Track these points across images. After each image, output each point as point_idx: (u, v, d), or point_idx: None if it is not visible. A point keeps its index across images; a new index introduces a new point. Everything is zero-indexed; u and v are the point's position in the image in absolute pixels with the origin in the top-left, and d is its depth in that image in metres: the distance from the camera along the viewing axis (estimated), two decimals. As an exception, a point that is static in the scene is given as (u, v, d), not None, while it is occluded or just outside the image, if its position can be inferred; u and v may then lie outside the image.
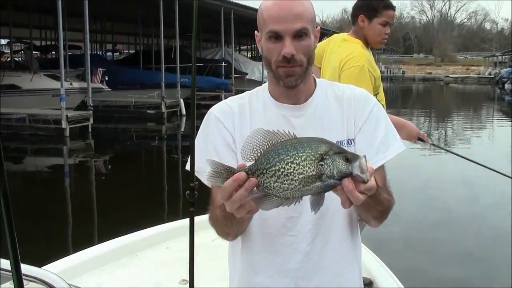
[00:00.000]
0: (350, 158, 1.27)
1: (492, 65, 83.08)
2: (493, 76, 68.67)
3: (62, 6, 17.62)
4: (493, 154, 15.56)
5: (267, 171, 1.30)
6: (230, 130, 1.71)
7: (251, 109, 1.74)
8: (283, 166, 1.29)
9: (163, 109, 22.42)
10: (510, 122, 26.69)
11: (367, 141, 1.73)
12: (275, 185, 1.30)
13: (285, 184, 1.29)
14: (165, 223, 4.27)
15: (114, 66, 29.39)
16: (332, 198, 1.35)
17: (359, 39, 3.41)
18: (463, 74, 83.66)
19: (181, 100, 23.07)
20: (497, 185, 11.13)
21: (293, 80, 1.65)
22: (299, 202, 1.32)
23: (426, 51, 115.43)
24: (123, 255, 3.75)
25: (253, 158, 1.33)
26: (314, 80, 1.79)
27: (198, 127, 1.79)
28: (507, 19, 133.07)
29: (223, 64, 27.93)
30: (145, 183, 11.88)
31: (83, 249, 3.69)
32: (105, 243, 3.85)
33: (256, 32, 1.72)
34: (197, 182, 1.64)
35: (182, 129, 20.37)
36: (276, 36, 1.62)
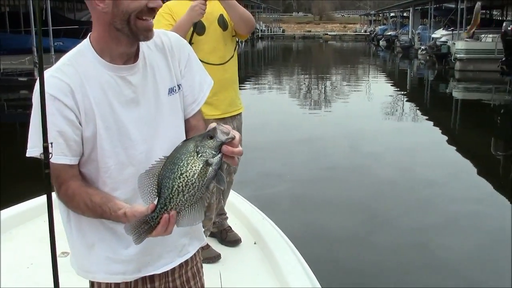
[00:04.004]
0: (211, 135, 1.48)
1: (368, 23, 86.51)
2: (368, 33, 71.60)
3: None
4: (370, 108, 16.31)
5: (172, 195, 1.48)
6: (72, 108, 1.62)
7: (86, 77, 1.65)
8: (178, 182, 1.47)
9: (36, 76, 21.14)
10: (384, 77, 28.06)
11: (190, 85, 1.86)
12: (185, 198, 1.49)
13: (190, 191, 1.48)
14: (41, 195, 4.06)
15: (-24, 30, 27.37)
16: None
17: None
18: (341, 31, 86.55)
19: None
20: (377, 137, 11.77)
21: (151, 34, 1.66)
22: (210, 193, 1.54)
23: (305, 9, 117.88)
24: (-2, 233, 3.53)
25: (156, 196, 1.50)
26: None
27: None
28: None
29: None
30: (23, 157, 11.24)
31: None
32: (-26, 222, 3.60)
33: None
34: (51, 142, 1.56)
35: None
36: None
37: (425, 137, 12.11)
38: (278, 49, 57.52)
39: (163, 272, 1.85)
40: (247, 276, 3.28)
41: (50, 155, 1.55)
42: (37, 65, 15.47)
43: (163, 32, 1.86)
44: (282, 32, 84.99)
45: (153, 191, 1.50)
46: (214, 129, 1.48)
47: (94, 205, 1.61)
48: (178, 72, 1.82)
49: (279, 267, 3.20)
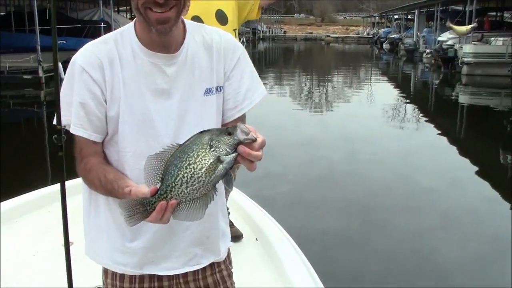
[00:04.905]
0: (231, 131, 1.38)
1: (370, 25, 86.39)
2: (371, 36, 71.39)
3: None
4: (371, 111, 16.30)
5: (175, 183, 1.41)
6: (98, 82, 1.62)
7: (120, 57, 1.64)
8: (184, 172, 1.40)
9: (41, 73, 21.11)
10: (387, 80, 28.00)
11: (235, 89, 1.78)
12: (187, 190, 1.41)
13: (195, 184, 1.40)
14: (46, 186, 4.12)
15: (-17, 29, 27.40)
16: None
17: None
18: (343, 34, 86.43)
19: (60, 64, 21.96)
20: (377, 140, 11.77)
21: (168, 27, 1.58)
22: (215, 193, 1.44)
23: (307, 11, 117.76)
24: (3, 223, 3.58)
25: (159, 181, 1.43)
26: (183, 23, 1.73)
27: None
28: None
29: (102, 25, 26.84)
30: (27, 152, 11.29)
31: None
32: (-18, 211, 3.65)
33: None
34: (64, 125, 1.59)
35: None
36: None
37: (427, 143, 11.99)
38: (280, 50, 57.45)
39: (173, 275, 1.81)
40: (248, 272, 3.28)
41: (64, 137, 1.57)
42: (41, 63, 15.53)
43: (217, 30, 1.81)
44: (284, 33, 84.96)
45: (157, 175, 1.43)
46: (234, 126, 1.39)
47: (106, 181, 1.59)
48: (221, 74, 1.75)
49: (281, 263, 3.22)
